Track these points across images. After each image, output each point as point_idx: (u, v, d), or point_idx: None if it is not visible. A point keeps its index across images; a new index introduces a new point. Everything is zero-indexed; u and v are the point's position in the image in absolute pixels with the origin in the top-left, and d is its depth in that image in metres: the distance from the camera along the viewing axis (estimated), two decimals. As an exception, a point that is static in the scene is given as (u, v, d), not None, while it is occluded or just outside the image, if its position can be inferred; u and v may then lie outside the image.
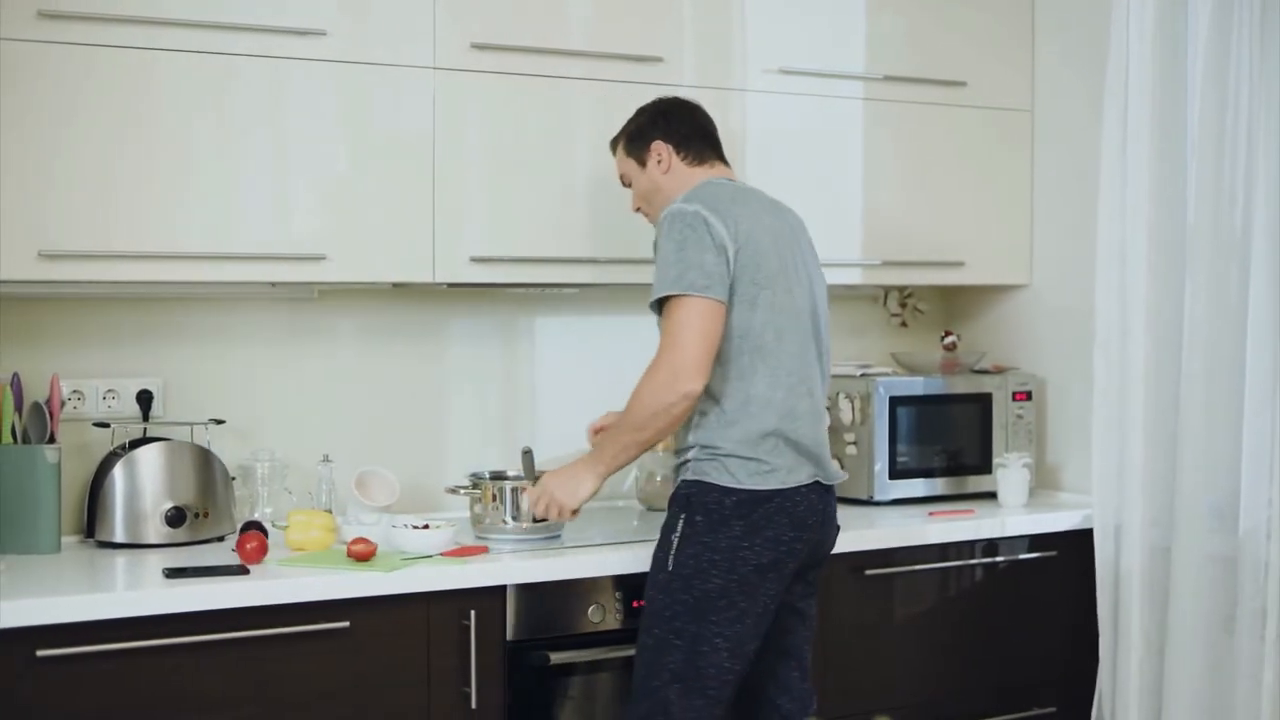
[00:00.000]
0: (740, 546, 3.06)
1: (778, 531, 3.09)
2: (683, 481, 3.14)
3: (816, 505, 3.16)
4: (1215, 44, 3.59)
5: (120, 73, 3.17)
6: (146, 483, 3.37)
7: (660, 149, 3.28)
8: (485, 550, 3.32)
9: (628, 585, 3.33)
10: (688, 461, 3.14)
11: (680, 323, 3.04)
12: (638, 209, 3.38)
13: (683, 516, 3.10)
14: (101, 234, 3.18)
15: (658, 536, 3.16)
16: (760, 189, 3.35)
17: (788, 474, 3.10)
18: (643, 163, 3.31)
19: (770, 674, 3.22)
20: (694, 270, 3.04)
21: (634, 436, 3.12)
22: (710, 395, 3.10)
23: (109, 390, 3.51)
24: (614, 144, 3.40)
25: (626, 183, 3.38)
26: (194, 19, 3.23)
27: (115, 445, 3.42)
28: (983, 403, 4.12)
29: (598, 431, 3.45)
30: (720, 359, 3.09)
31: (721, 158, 3.33)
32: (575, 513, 3.25)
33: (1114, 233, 3.76)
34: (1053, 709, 3.92)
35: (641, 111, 3.36)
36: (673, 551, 3.09)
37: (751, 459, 3.08)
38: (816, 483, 3.16)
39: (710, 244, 3.05)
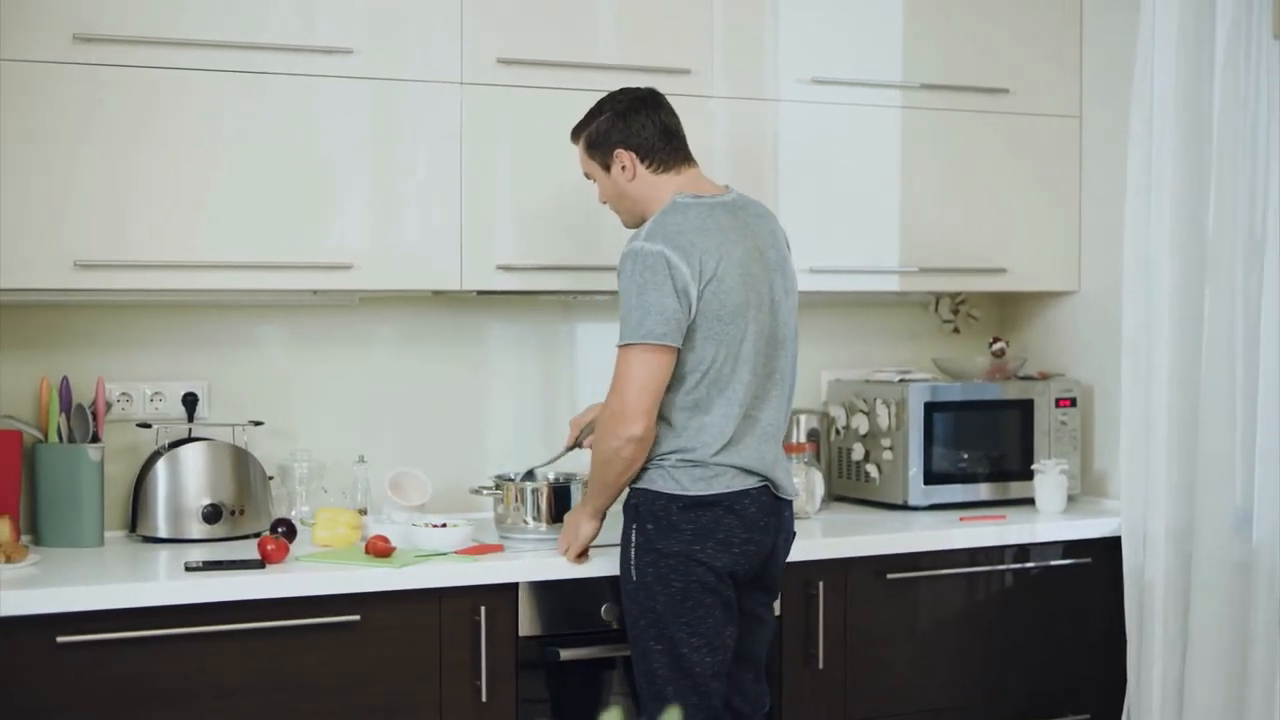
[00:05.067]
0: (693, 549, 3.14)
1: (728, 535, 3.15)
2: (631, 490, 3.22)
3: (768, 508, 3.21)
4: (1234, 52, 3.58)
5: (153, 92, 3.35)
6: (187, 481, 3.55)
7: (624, 157, 3.25)
8: (500, 549, 3.43)
9: (642, 585, 3.41)
10: (638, 471, 3.20)
11: (625, 371, 3.11)
12: (604, 202, 3.38)
13: (634, 526, 3.19)
14: (137, 244, 3.35)
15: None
16: (732, 189, 3.32)
17: (733, 479, 3.16)
18: (606, 167, 3.28)
19: (727, 674, 3.24)
20: (653, 316, 3.08)
21: (600, 479, 3.21)
22: (665, 420, 3.17)
23: (156, 393, 3.69)
24: (574, 136, 3.35)
25: (590, 178, 3.36)
26: (227, 40, 3.39)
27: (158, 445, 3.59)
28: (1024, 409, 4.12)
29: (582, 429, 3.49)
30: (679, 389, 3.15)
31: (689, 158, 3.29)
32: (582, 556, 3.33)
33: (1139, 240, 3.75)
34: (1088, 715, 3.91)
35: (600, 108, 3.30)
36: (632, 562, 3.18)
37: (695, 467, 3.15)
38: (766, 489, 3.20)
39: (671, 288, 3.08)
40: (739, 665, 3.27)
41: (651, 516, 3.16)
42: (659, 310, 3.07)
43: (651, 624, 3.15)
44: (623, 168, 3.26)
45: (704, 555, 3.13)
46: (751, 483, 3.18)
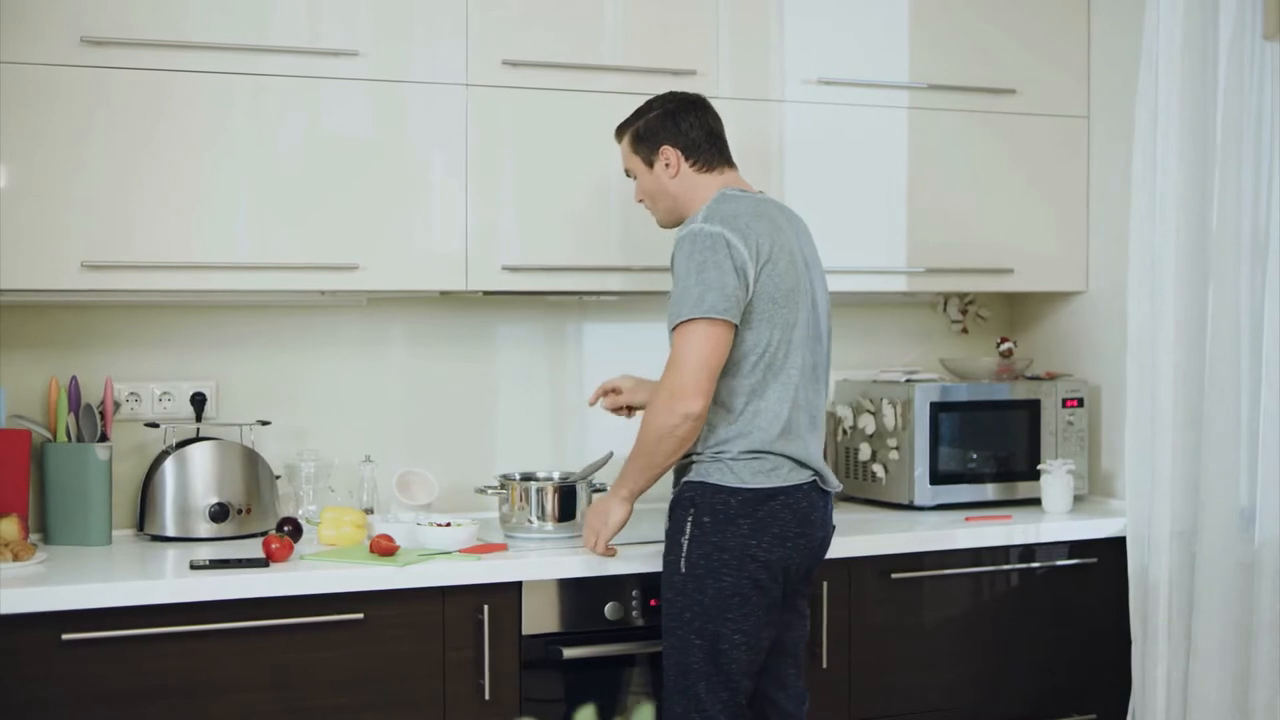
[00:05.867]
0: (749, 544, 3.15)
1: (783, 528, 3.17)
2: (685, 483, 3.23)
3: (818, 503, 3.25)
4: (1237, 52, 3.59)
5: (159, 94, 3.38)
6: (195, 480, 3.57)
7: (669, 154, 3.31)
8: (504, 548, 3.45)
9: (646, 583, 3.42)
10: (690, 464, 3.23)
11: (684, 347, 3.12)
12: (640, 201, 3.42)
13: (690, 518, 3.19)
14: (143, 245, 3.38)
15: (666, 538, 3.26)
16: (768, 194, 3.41)
17: (789, 473, 3.19)
18: (649, 163, 3.33)
19: (768, 670, 3.29)
20: (713, 292, 3.11)
21: (645, 460, 3.21)
22: (722, 405, 3.19)
23: (164, 393, 3.72)
24: (619, 133, 3.41)
25: (631, 175, 3.42)
26: (233, 43, 3.42)
27: (166, 444, 3.62)
28: (1030, 409, 4.12)
29: (607, 393, 3.54)
30: (736, 373, 3.17)
31: (730, 161, 3.36)
32: (611, 550, 3.32)
33: (1144, 239, 3.75)
34: (1093, 716, 3.91)
35: (650, 107, 3.36)
36: (683, 554, 3.19)
37: (755, 458, 3.17)
38: (815, 483, 3.24)
39: (731, 266, 3.12)
40: (780, 659, 3.30)
41: (709, 510, 3.17)
42: (719, 287, 3.10)
43: (696, 617, 3.16)
44: (666, 164, 3.32)
45: (759, 550, 3.15)
46: (804, 476, 3.21)
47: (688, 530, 3.20)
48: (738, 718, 3.20)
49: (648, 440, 3.19)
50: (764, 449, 3.17)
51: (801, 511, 3.20)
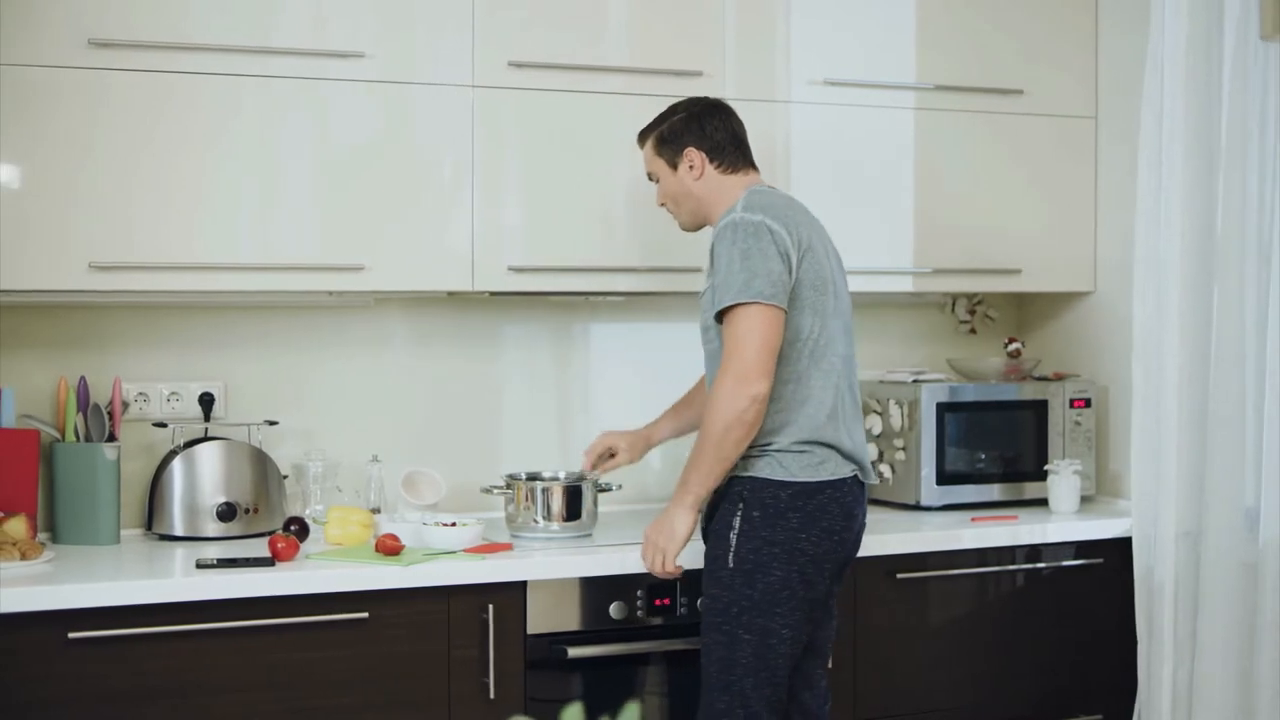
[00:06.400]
0: (798, 538, 3.16)
1: (831, 522, 3.19)
2: (734, 478, 3.21)
3: (859, 497, 3.27)
4: (1241, 53, 3.60)
5: (166, 95, 3.39)
6: (202, 479, 3.59)
7: (693, 156, 3.33)
8: (509, 547, 3.46)
9: (651, 583, 3.43)
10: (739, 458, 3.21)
11: (744, 330, 3.12)
12: (662, 204, 3.44)
13: (739, 513, 3.19)
14: (150, 246, 3.40)
15: (709, 535, 3.26)
16: (793, 196, 3.44)
17: (836, 466, 3.21)
18: (673, 165, 3.36)
19: (799, 669, 3.29)
20: (760, 278, 3.12)
21: (714, 454, 3.15)
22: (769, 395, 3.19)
23: (172, 393, 3.74)
24: (642, 137, 3.44)
25: (654, 179, 3.44)
26: (239, 44, 3.43)
27: (174, 444, 3.64)
28: (1037, 409, 4.12)
29: (600, 456, 3.58)
30: (782, 360, 3.17)
31: (753, 164, 3.39)
32: (678, 569, 3.26)
33: (1149, 241, 3.75)
34: (1099, 716, 3.91)
35: (674, 110, 3.39)
36: (732, 548, 3.19)
37: (803, 452, 3.18)
38: (855, 476, 3.26)
39: (775, 252, 3.13)
40: (810, 658, 3.31)
41: (759, 504, 3.17)
42: (765, 273, 3.12)
43: (744, 612, 3.16)
44: (690, 166, 3.34)
45: (808, 544, 3.16)
46: (848, 470, 3.23)
47: (736, 525, 3.19)
48: (778, 714, 3.20)
49: (714, 433, 3.14)
50: (812, 438, 3.18)
51: (846, 505, 3.22)
